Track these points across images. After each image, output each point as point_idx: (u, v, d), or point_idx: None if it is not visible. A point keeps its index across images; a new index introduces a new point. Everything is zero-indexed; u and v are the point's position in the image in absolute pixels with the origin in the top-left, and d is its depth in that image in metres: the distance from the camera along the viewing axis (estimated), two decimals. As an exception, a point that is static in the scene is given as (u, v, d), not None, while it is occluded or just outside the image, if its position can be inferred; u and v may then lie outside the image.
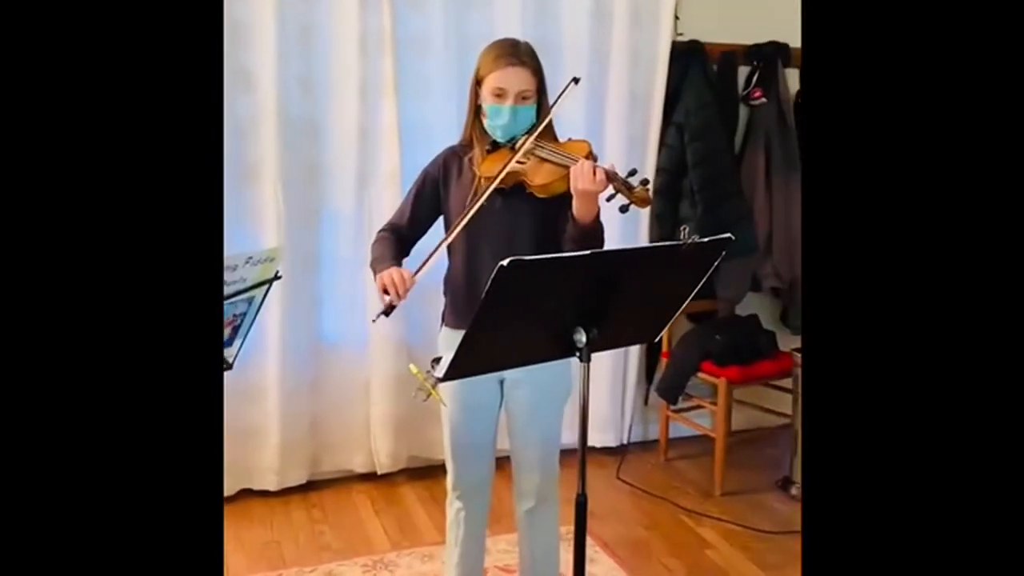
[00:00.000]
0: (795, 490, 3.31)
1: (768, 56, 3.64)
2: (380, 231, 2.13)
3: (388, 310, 1.88)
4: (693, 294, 1.68)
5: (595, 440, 3.58)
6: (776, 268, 3.63)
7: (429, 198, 2.10)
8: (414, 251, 2.11)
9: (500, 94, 1.96)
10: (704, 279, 1.65)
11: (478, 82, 2.01)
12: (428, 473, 3.38)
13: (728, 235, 1.58)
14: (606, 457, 3.56)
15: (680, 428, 3.68)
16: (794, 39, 3.64)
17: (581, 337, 1.56)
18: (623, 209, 1.79)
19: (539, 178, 1.88)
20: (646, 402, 3.75)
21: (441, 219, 2.12)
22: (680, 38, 3.49)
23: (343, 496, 3.26)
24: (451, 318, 2.10)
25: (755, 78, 3.66)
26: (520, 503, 2.17)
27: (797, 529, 2.96)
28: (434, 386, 1.57)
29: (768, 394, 3.65)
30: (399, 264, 1.99)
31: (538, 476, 2.13)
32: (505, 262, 1.35)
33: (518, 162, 1.90)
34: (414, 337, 3.29)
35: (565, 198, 1.86)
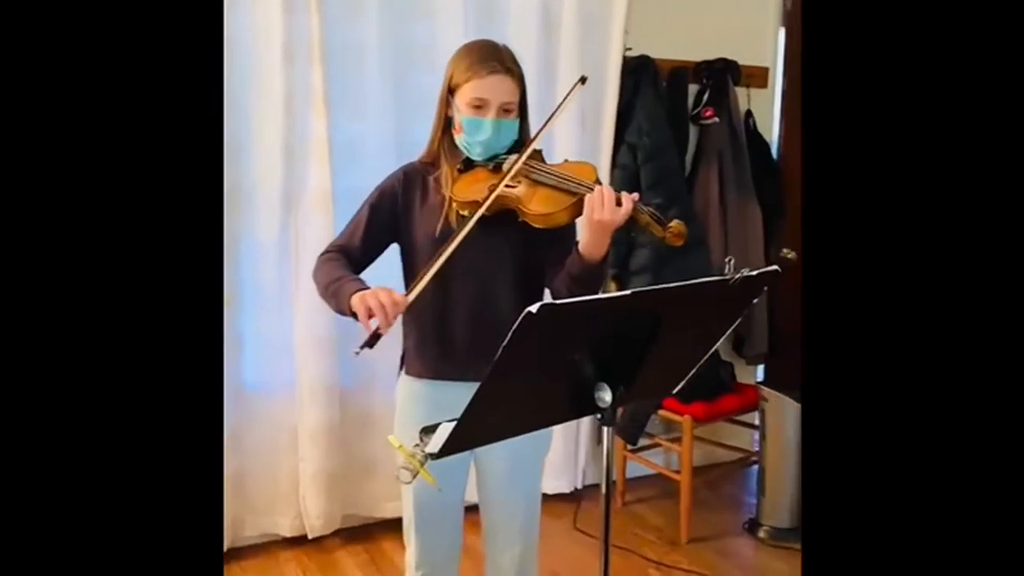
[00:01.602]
0: (763, 533, 3.10)
1: (718, 73, 3.46)
2: (325, 253, 1.77)
3: (374, 340, 1.52)
4: (724, 337, 1.42)
5: (548, 487, 3.26)
6: (732, 295, 3.44)
7: (386, 219, 1.76)
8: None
9: (480, 105, 1.67)
10: (739, 320, 1.40)
11: (450, 91, 1.73)
12: (367, 534, 3.01)
13: (775, 267, 1.33)
14: (561, 504, 3.26)
15: (636, 467, 3.43)
16: (743, 56, 3.49)
17: (605, 395, 1.27)
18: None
19: (536, 205, 1.60)
20: (599, 441, 3.49)
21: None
22: (629, 53, 3.28)
23: (270, 565, 2.85)
24: (417, 365, 1.78)
25: (705, 96, 3.47)
26: (494, 582, 1.88)
27: (773, 578, 2.77)
28: (423, 463, 1.25)
29: (725, 428, 3.45)
30: (364, 283, 1.63)
31: (519, 547, 1.85)
32: (534, 308, 1.05)
33: (507, 185, 1.61)
34: (349, 380, 2.92)
35: (560, 229, 1.61)
